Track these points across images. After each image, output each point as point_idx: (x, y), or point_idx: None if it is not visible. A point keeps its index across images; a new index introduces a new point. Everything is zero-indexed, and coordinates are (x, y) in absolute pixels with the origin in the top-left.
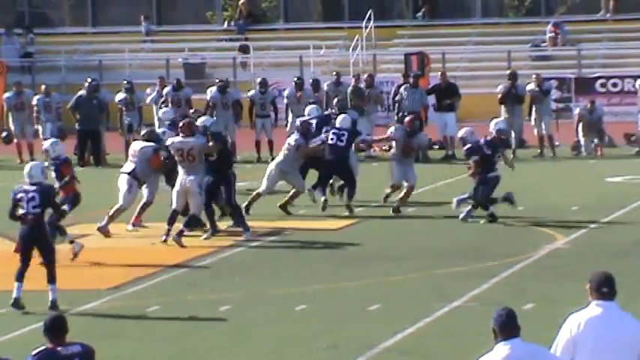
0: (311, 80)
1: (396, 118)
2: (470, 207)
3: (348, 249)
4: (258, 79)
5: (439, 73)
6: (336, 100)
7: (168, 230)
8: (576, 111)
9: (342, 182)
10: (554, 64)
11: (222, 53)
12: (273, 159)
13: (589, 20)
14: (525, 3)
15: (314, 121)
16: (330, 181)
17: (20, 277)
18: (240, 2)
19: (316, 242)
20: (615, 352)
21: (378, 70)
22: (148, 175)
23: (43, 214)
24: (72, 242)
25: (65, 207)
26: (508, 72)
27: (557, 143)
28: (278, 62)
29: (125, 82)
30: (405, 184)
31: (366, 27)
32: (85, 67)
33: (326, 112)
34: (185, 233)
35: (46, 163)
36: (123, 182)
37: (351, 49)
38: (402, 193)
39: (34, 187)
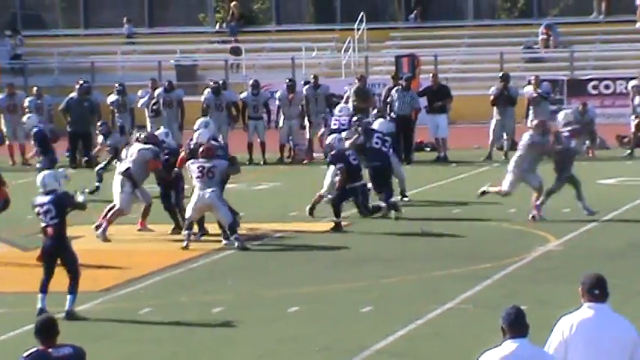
0: (302, 82)
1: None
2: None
3: (341, 251)
4: (251, 81)
5: (430, 75)
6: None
7: (188, 235)
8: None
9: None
10: (547, 66)
11: (213, 55)
12: (265, 161)
13: (581, 22)
14: (518, 5)
15: (346, 119)
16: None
17: (44, 288)
18: (232, 4)
19: (309, 244)
20: (607, 354)
21: (370, 72)
22: (143, 178)
23: (63, 223)
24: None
25: None
26: (500, 74)
27: None
28: (270, 64)
29: (117, 84)
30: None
31: (358, 29)
32: (78, 69)
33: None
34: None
35: None
36: (117, 183)
37: (343, 51)
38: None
39: (47, 199)
